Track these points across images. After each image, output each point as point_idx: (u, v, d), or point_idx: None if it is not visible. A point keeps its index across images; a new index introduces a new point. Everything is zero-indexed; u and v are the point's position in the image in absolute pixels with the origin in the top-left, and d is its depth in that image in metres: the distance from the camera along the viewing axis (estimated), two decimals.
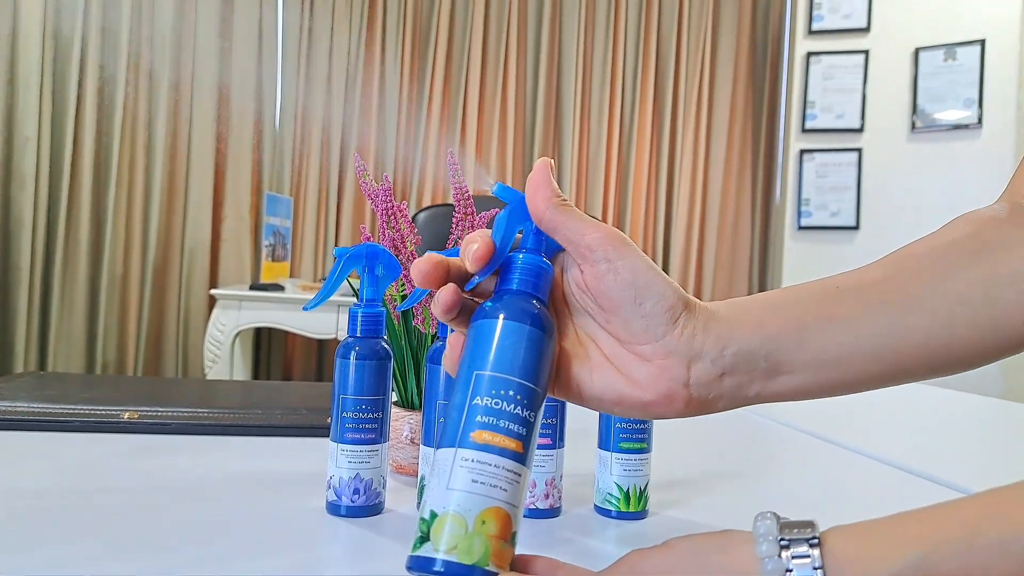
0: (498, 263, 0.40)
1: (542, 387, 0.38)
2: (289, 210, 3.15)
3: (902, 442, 1.02)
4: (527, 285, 0.39)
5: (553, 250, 0.42)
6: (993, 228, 0.42)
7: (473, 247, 0.38)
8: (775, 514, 0.34)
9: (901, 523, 0.32)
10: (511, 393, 0.37)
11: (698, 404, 0.39)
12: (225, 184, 3.28)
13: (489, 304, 0.39)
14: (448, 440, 0.37)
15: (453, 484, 0.35)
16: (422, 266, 0.38)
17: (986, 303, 0.39)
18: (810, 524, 0.33)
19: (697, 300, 0.40)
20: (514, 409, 0.37)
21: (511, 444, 0.36)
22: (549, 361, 0.39)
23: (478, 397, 0.37)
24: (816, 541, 0.32)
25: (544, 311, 0.39)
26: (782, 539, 0.32)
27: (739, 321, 0.39)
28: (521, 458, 0.37)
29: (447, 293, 0.38)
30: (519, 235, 0.41)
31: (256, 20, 3.30)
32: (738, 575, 0.32)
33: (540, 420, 0.38)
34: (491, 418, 0.36)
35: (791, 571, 0.31)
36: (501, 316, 0.38)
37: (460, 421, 0.37)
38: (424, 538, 0.35)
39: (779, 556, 0.32)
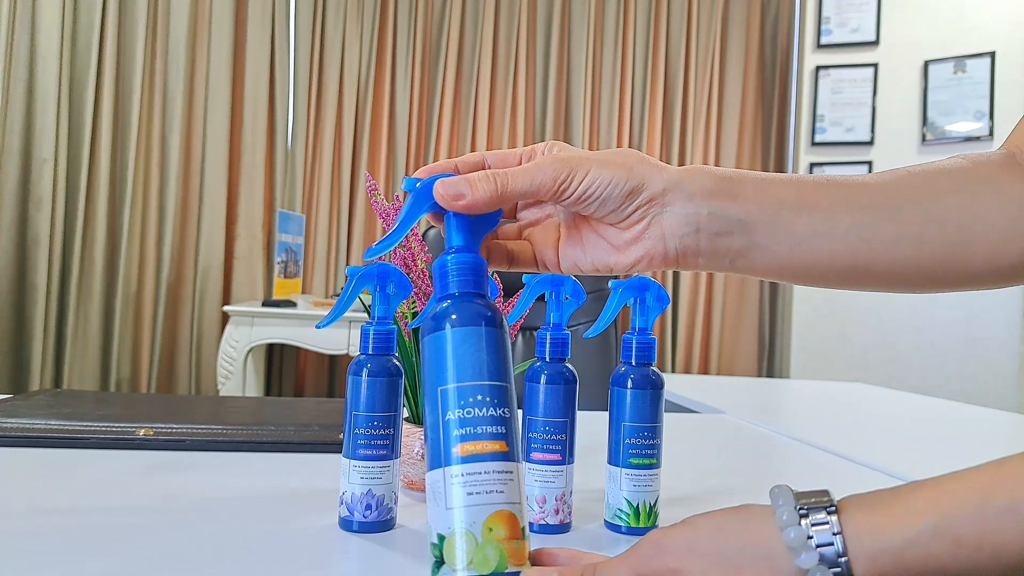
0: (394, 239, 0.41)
1: (508, 379, 0.38)
2: (301, 227, 3.17)
3: (913, 455, 1.01)
4: (467, 285, 0.39)
5: (484, 234, 0.43)
6: (984, 166, 0.44)
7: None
8: (788, 486, 0.35)
9: (915, 491, 0.33)
10: (480, 398, 0.36)
11: (676, 257, 0.43)
12: (238, 202, 3.31)
13: (433, 316, 0.38)
14: (434, 462, 0.36)
15: (451, 503, 0.35)
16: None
17: (957, 228, 0.42)
18: (825, 492, 0.34)
19: (666, 166, 0.43)
20: (488, 412, 0.36)
21: (495, 446, 0.36)
22: (507, 350, 0.38)
23: (449, 412, 0.36)
24: (834, 508, 0.33)
25: (490, 304, 0.39)
26: (800, 507, 0.33)
27: (716, 190, 0.42)
28: (509, 456, 0.36)
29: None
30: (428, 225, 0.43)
31: (268, 38, 3.34)
32: (761, 546, 0.33)
33: (516, 411, 0.38)
34: (468, 428, 0.36)
35: (811, 537, 0.32)
36: (449, 326, 0.37)
37: (439, 440, 0.36)
38: (439, 562, 0.35)
39: (799, 524, 0.32)
